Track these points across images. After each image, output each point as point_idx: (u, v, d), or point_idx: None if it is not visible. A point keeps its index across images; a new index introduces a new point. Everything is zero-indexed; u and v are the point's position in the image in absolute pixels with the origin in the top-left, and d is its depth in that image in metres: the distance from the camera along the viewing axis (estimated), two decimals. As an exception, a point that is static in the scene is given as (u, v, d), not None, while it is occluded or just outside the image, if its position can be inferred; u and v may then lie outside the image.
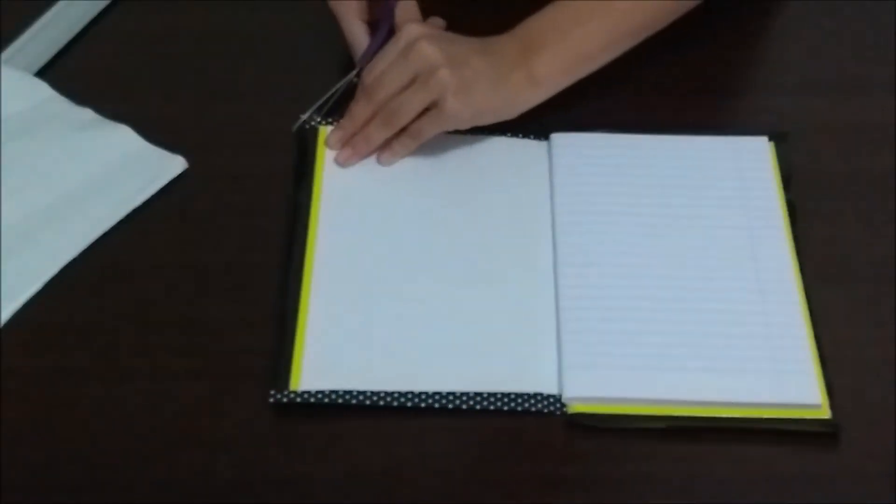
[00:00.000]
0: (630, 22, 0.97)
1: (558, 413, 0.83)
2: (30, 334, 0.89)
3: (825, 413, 0.83)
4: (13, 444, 0.83)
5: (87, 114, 1.01)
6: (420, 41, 0.93)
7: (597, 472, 0.82)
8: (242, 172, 0.99)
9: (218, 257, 0.94)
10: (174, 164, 0.97)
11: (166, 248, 0.94)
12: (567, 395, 0.83)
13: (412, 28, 0.94)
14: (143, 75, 1.06)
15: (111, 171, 0.97)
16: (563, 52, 0.95)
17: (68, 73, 1.05)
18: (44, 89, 1.03)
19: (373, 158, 0.97)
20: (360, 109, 0.96)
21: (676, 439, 0.83)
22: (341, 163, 0.96)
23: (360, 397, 0.83)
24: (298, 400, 0.84)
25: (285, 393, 0.84)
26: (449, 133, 0.96)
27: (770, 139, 0.98)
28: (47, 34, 1.08)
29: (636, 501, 0.81)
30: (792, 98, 1.03)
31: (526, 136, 0.98)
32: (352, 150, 0.97)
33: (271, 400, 0.84)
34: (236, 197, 0.97)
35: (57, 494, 0.81)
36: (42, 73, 1.04)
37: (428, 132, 0.95)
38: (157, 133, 0.99)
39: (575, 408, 0.83)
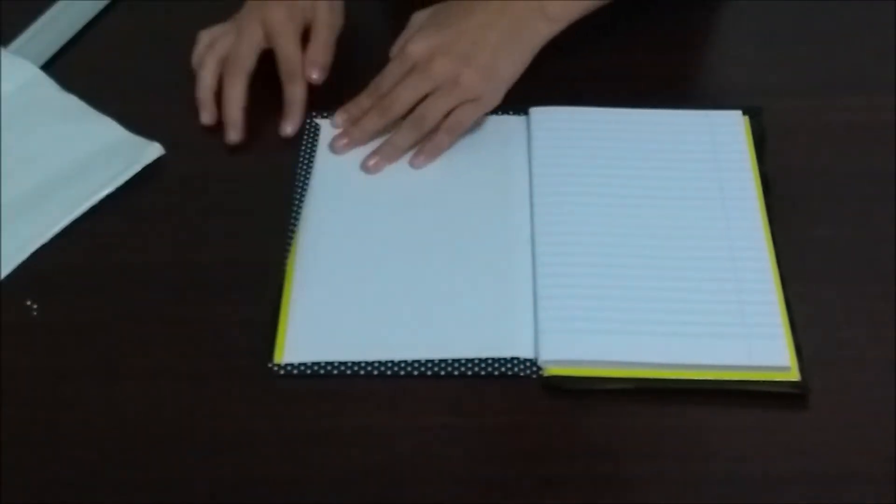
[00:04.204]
0: None
1: (534, 376, 0.85)
2: (30, 333, 0.89)
3: (794, 375, 0.85)
4: (13, 444, 0.83)
5: (71, 100, 1.02)
6: (434, 58, 0.95)
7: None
8: (242, 171, 0.99)
9: (218, 256, 0.94)
10: (150, 150, 0.98)
11: (166, 247, 0.94)
12: (542, 358, 0.85)
13: (417, 45, 0.96)
14: (143, 75, 1.06)
15: (89, 158, 0.98)
16: None
17: (68, 73, 1.05)
18: (29, 69, 1.03)
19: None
20: (371, 122, 0.98)
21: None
22: (337, 150, 0.98)
23: (342, 367, 0.86)
24: (282, 373, 0.86)
25: (271, 366, 0.86)
26: None
27: (744, 113, 1.00)
28: (47, 34, 1.08)
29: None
30: (792, 98, 1.03)
31: (505, 111, 1.00)
32: (348, 139, 0.99)
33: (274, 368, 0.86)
34: (236, 196, 0.97)
35: (57, 494, 0.81)
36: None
37: (466, 123, 0.98)
38: (157, 132, 0.99)
39: (550, 370, 0.85)
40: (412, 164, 0.97)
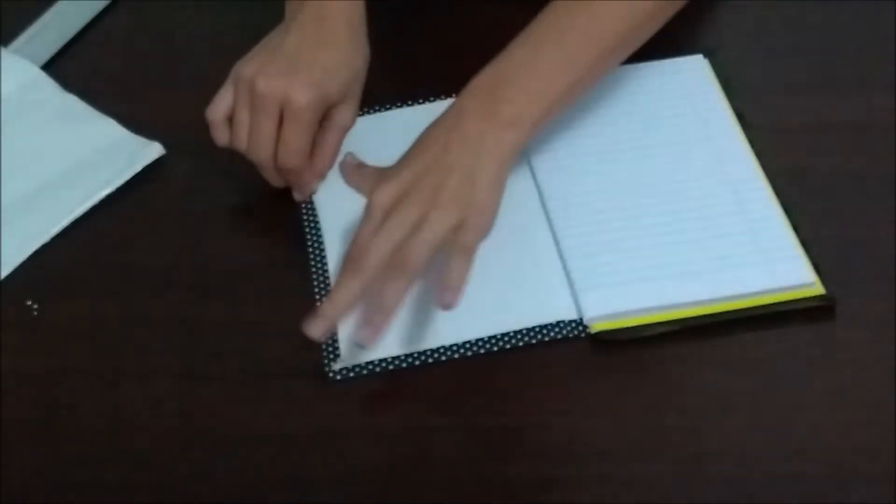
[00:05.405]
0: (593, 45, 0.90)
1: (582, 336, 0.87)
2: (30, 334, 0.89)
3: (819, 290, 0.88)
4: (13, 444, 0.83)
5: (71, 100, 1.02)
6: (396, 209, 0.84)
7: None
8: (242, 171, 0.98)
9: (218, 256, 0.94)
10: (150, 150, 0.98)
11: (166, 247, 0.95)
12: (587, 315, 0.87)
13: (382, 195, 0.85)
14: (143, 75, 1.06)
15: (89, 158, 0.99)
16: (525, 85, 0.87)
17: (68, 73, 1.05)
18: (29, 69, 1.04)
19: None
20: (344, 288, 0.84)
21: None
22: (368, 345, 0.85)
23: (396, 362, 0.86)
24: (339, 378, 0.85)
25: (336, 371, 0.86)
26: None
27: (704, 56, 1.04)
28: (47, 34, 1.08)
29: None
30: (791, 97, 1.03)
31: None
32: (373, 327, 0.84)
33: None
34: (236, 196, 0.98)
35: (57, 494, 0.81)
36: (42, 73, 1.05)
37: (474, 245, 0.85)
38: (157, 132, 1.00)
39: (596, 326, 0.87)
40: (443, 306, 0.84)
